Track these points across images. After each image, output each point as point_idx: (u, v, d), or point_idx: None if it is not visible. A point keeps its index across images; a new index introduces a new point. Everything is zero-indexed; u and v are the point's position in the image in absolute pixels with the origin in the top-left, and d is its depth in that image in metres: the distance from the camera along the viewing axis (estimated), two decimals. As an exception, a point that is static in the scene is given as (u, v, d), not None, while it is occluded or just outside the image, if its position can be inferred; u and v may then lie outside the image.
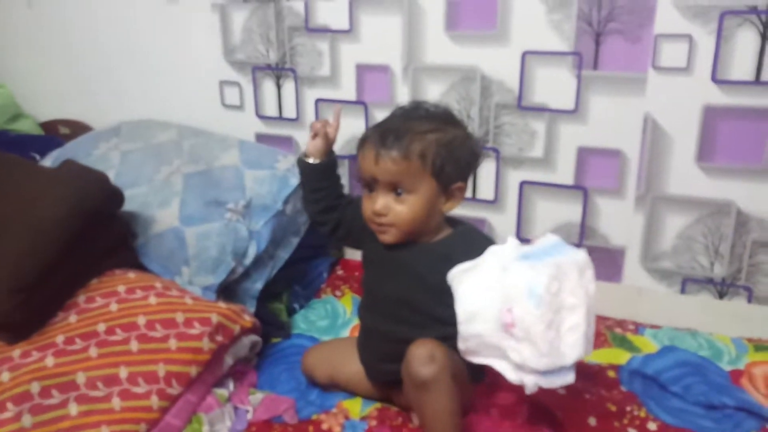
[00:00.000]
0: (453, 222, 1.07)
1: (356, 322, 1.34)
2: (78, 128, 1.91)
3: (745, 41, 1.22)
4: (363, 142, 1.01)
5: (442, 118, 1.02)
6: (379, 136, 0.98)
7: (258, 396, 1.16)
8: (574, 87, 1.36)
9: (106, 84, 1.89)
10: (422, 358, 0.95)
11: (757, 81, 1.23)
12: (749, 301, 1.35)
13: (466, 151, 1.01)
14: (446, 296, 0.97)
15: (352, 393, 1.15)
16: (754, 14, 1.20)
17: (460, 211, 1.51)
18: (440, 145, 0.97)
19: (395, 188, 0.98)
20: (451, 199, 1.02)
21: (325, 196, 1.10)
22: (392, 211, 0.99)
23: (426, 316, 1.02)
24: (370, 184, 1.00)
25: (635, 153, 1.36)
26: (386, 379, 1.09)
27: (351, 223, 1.10)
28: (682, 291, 1.40)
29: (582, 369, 1.21)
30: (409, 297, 1.02)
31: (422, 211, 0.99)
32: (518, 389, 1.15)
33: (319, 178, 1.10)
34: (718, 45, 1.24)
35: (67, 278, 1.16)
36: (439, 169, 0.97)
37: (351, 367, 1.13)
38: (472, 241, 1.01)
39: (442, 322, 0.99)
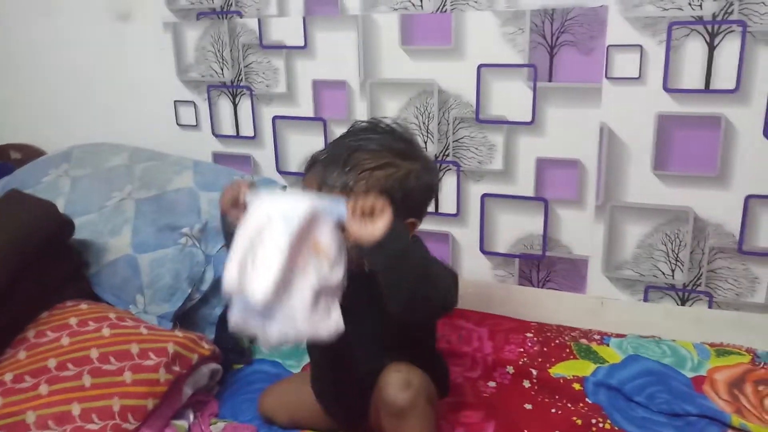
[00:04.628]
0: None
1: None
2: (29, 152, 1.85)
3: (694, 51, 1.23)
4: (308, 168, 0.95)
5: (398, 150, 0.93)
6: (323, 168, 0.91)
7: (219, 425, 1.12)
8: (530, 99, 1.36)
9: (58, 106, 1.84)
10: (398, 384, 0.91)
11: (707, 89, 1.24)
12: (710, 306, 1.37)
13: (419, 187, 0.94)
14: (393, 321, 0.94)
15: (315, 430, 1.11)
16: (701, 24, 1.22)
17: (424, 225, 1.51)
18: (388, 182, 0.90)
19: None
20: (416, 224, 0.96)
21: None
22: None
23: (380, 344, 0.98)
24: None
25: (593, 163, 1.36)
26: (350, 416, 1.06)
27: None
28: (645, 299, 1.41)
29: (547, 383, 1.21)
30: (361, 332, 0.96)
31: None
32: (483, 407, 1.16)
33: None
34: (668, 55, 1.25)
35: (15, 313, 1.12)
36: (392, 206, 0.88)
37: (311, 405, 1.09)
38: None
39: (396, 345, 0.97)
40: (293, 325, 0.85)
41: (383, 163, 0.91)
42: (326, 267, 0.85)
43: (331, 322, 0.86)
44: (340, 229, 0.85)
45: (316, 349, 1.08)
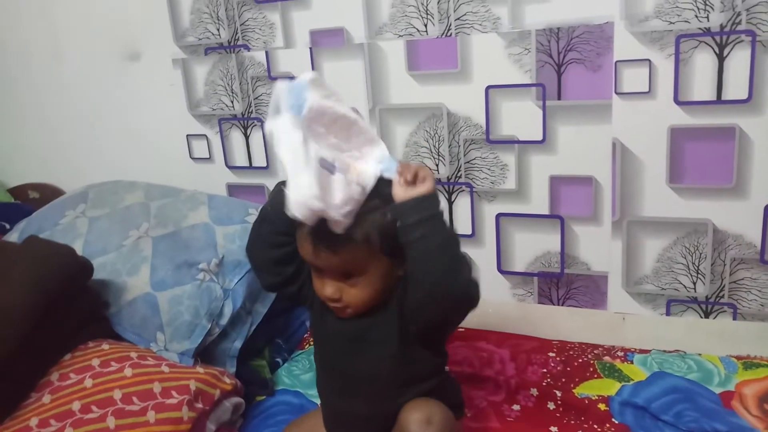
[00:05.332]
0: None
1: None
2: (47, 191, 1.88)
3: (703, 62, 1.22)
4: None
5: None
6: (315, 224, 0.85)
7: (244, 461, 1.12)
8: (540, 118, 1.36)
9: (74, 145, 1.87)
10: (419, 422, 0.90)
11: (719, 100, 1.23)
12: (734, 318, 1.34)
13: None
14: (410, 353, 0.94)
15: None
16: (709, 36, 1.21)
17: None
18: (388, 221, 0.87)
19: (344, 272, 0.90)
20: (406, 263, 0.91)
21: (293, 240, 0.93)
22: (345, 294, 0.92)
23: (398, 381, 0.96)
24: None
25: (607, 179, 1.35)
26: None
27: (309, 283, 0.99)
28: (667, 313, 1.39)
29: (572, 404, 1.20)
30: (380, 369, 0.96)
31: (377, 288, 0.92)
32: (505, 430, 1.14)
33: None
34: (677, 68, 1.24)
35: (38, 358, 1.13)
36: (388, 247, 0.88)
37: None
38: None
39: (414, 380, 0.96)
40: (297, 144, 0.82)
41: (378, 204, 0.89)
42: (352, 176, 0.87)
43: (325, 194, 0.82)
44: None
45: (326, 388, 1.06)
